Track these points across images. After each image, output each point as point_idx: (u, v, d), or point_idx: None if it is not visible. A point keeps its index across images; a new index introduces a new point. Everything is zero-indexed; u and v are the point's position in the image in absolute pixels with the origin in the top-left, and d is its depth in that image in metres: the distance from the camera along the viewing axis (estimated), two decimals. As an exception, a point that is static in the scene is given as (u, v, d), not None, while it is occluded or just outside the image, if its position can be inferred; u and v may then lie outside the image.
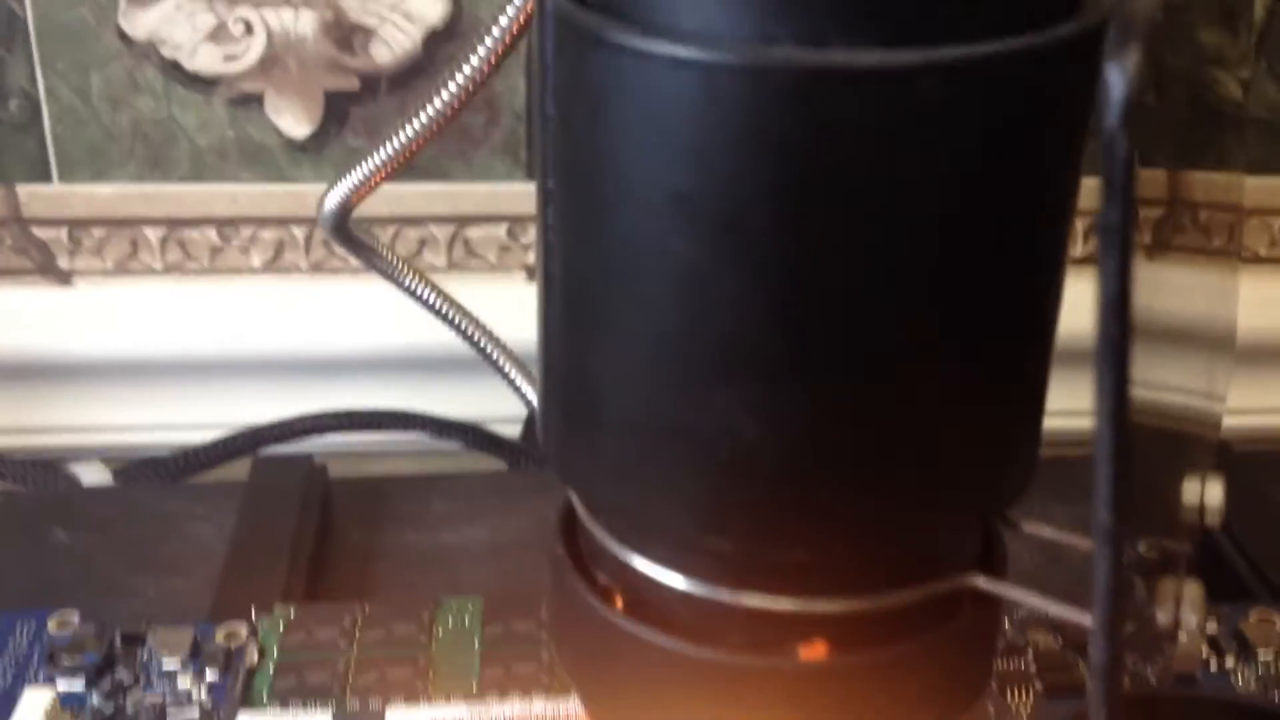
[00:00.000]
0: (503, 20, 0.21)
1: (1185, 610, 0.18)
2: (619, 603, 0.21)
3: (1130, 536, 0.17)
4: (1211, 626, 0.31)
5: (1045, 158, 0.17)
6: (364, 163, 0.35)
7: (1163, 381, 0.22)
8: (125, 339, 0.55)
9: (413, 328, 0.55)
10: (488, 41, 0.21)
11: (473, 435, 0.51)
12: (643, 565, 0.20)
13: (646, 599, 0.20)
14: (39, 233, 0.55)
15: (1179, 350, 0.23)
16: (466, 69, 0.22)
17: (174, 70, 0.52)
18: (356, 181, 0.36)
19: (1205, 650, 0.31)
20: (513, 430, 0.52)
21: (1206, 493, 0.20)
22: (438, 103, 0.30)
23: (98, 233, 0.55)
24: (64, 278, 0.56)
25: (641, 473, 0.18)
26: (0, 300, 0.56)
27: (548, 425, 0.20)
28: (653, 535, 0.19)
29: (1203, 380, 0.23)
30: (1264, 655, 0.31)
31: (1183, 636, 0.30)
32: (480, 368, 0.58)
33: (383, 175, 0.36)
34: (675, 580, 0.20)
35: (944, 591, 0.20)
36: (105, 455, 0.50)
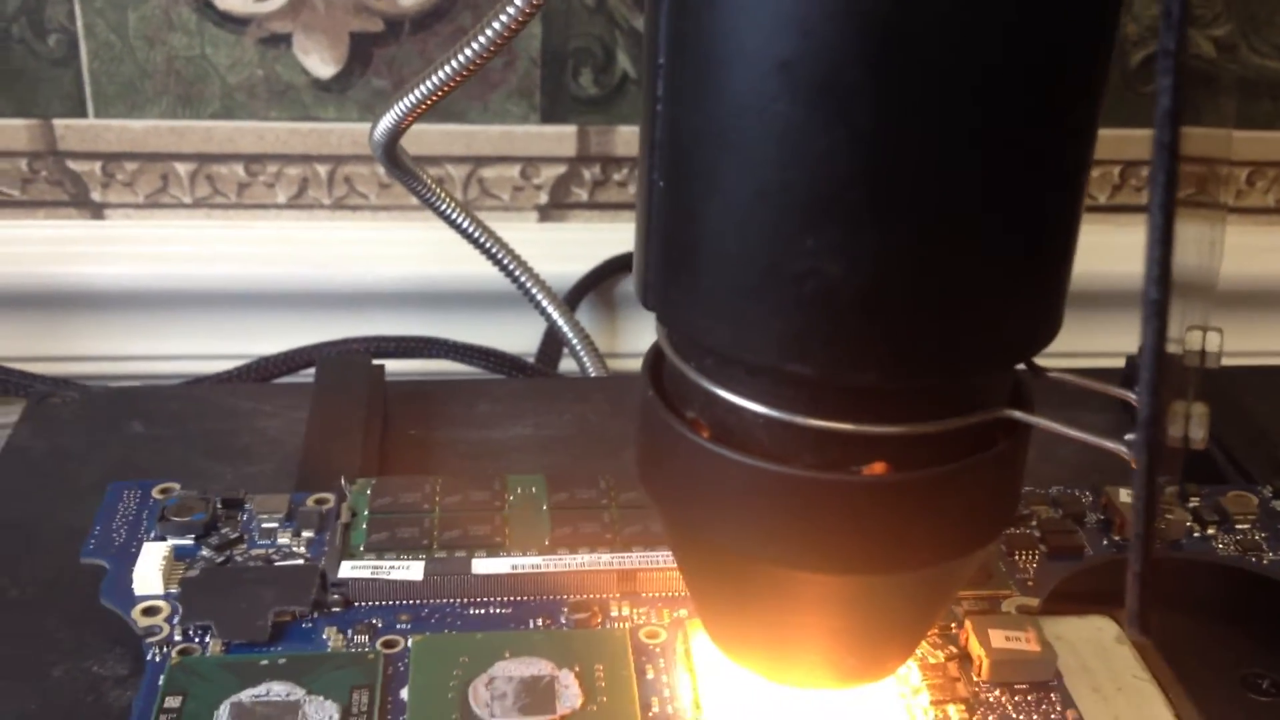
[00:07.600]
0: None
1: (1193, 427, 0.21)
2: (705, 433, 0.24)
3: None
4: (1195, 502, 0.35)
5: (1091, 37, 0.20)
6: (407, 95, 0.38)
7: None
8: (154, 271, 0.58)
9: (429, 263, 0.58)
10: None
11: (495, 359, 0.54)
12: (729, 396, 0.23)
13: (729, 427, 0.23)
14: (73, 166, 0.57)
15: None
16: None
17: (207, 9, 0.54)
18: (402, 112, 0.39)
19: (1189, 520, 0.35)
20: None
21: (1207, 340, 0.23)
22: (477, 43, 0.33)
23: (130, 166, 0.57)
24: (97, 210, 0.58)
25: (736, 309, 0.22)
26: (35, 231, 0.58)
27: (647, 282, 0.24)
28: (740, 367, 0.23)
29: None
30: (1241, 525, 0.35)
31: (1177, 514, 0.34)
32: (492, 302, 0.61)
33: (426, 105, 0.39)
34: (758, 408, 0.23)
35: (984, 422, 0.23)
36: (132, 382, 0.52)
